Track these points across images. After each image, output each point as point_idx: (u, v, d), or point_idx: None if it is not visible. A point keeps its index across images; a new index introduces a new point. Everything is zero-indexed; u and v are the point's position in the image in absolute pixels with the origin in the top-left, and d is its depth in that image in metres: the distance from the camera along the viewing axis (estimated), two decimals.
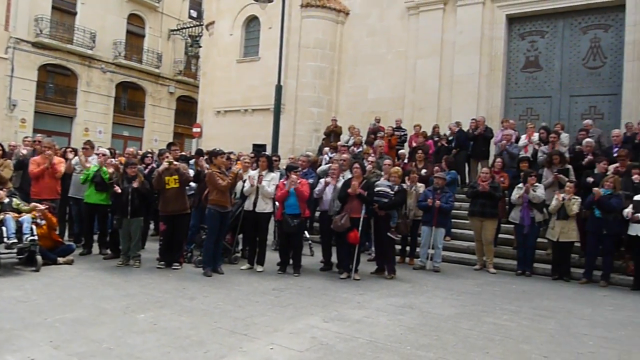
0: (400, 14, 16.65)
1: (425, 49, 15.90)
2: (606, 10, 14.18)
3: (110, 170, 8.15)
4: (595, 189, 8.07)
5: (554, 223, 8.37)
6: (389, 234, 8.03)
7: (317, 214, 9.02)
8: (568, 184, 8.41)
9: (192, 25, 26.40)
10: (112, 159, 8.76)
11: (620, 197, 8.00)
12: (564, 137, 10.74)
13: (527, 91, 15.14)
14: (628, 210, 7.80)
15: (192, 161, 9.64)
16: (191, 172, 8.44)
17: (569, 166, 9.25)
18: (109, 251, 8.42)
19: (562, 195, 8.31)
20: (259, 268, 7.98)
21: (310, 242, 9.75)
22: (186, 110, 27.53)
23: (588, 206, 8.14)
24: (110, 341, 4.39)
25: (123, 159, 9.12)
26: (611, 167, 8.85)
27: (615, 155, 9.44)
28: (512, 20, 15.30)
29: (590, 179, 8.57)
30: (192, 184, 8.53)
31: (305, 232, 9.35)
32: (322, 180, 8.52)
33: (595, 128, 11.34)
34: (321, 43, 17.42)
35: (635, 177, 8.36)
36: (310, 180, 8.80)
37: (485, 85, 15.08)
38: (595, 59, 14.32)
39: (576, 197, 8.28)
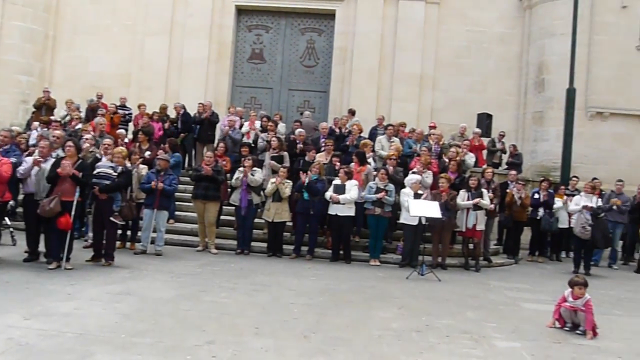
0: None
1: (154, 26, 15.35)
2: (320, 17, 15.98)
3: None
4: (305, 173, 9.07)
5: (270, 205, 9.12)
6: (111, 218, 7.55)
7: (21, 197, 7.88)
8: (281, 169, 9.25)
9: None
10: None
11: (324, 182, 9.18)
12: (281, 126, 11.80)
13: (252, 81, 16.03)
14: (330, 193, 8.99)
15: None
16: None
17: (284, 153, 10.15)
18: None
19: (277, 179, 9.09)
20: None
21: (11, 229, 8.47)
22: None
23: (298, 189, 9.10)
24: None
25: None
26: (319, 156, 10.05)
27: (322, 145, 10.76)
28: (240, 11, 15.95)
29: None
30: None
31: (6, 219, 8.11)
32: (27, 159, 7.47)
33: (307, 119, 12.73)
34: (32, 1, 15.17)
35: (336, 164, 9.69)
36: (13, 159, 7.60)
37: (213, 71, 15.41)
38: (310, 59, 16.03)
39: (288, 181, 9.16)
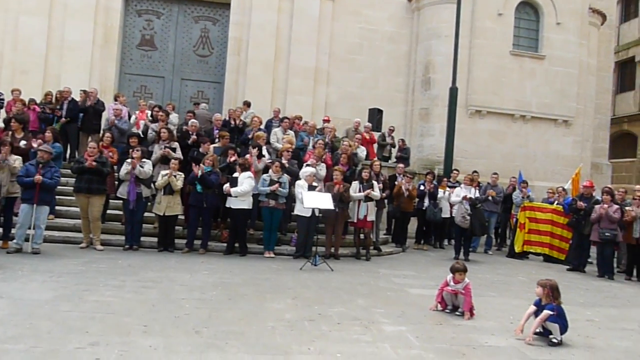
0: None
1: (30, 4, 14.14)
2: (215, 6, 15.65)
3: None
4: (198, 165, 8.84)
5: (161, 198, 8.79)
6: None
7: None
8: (173, 160, 8.93)
9: None
10: None
11: (218, 174, 9.01)
12: (174, 117, 11.39)
13: (142, 69, 15.32)
14: (226, 186, 8.85)
15: None
16: None
17: (175, 144, 9.80)
18: None
19: (168, 171, 8.77)
20: None
21: None
22: None
23: (191, 182, 8.86)
24: None
25: None
26: (211, 147, 9.84)
27: (216, 136, 10.56)
28: None
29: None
30: None
31: None
32: None
33: (202, 110, 12.42)
34: None
35: (232, 158, 9.51)
36: None
37: (99, 57, 14.53)
38: (204, 48, 15.64)
39: (180, 173, 8.88)
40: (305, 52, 15.16)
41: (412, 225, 11.77)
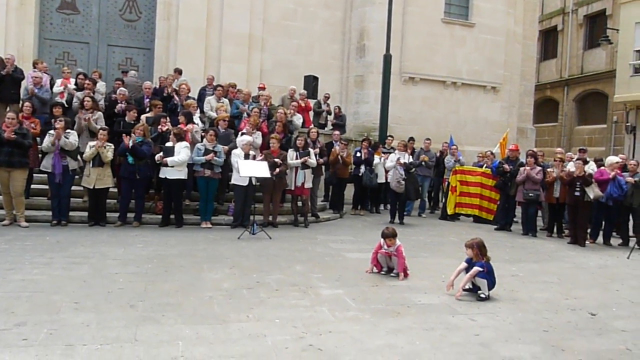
0: None
1: None
2: None
3: None
4: (129, 135, 8.50)
5: (90, 170, 8.41)
6: None
7: None
8: (101, 131, 8.51)
9: None
10: None
11: (150, 144, 8.72)
12: (101, 85, 10.82)
13: (64, 34, 14.36)
14: (159, 156, 8.59)
15: None
16: None
17: (99, 113, 9.36)
18: None
19: (96, 142, 8.37)
20: None
21: None
22: None
23: (122, 153, 8.52)
24: None
25: None
26: (143, 117, 9.48)
27: (147, 105, 10.16)
28: None
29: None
30: None
31: None
32: None
33: (131, 78, 11.87)
34: None
35: (164, 127, 9.20)
36: None
37: (15, 20, 13.48)
38: (131, 12, 14.83)
39: (110, 144, 8.51)
40: (238, 17, 14.73)
41: (349, 191, 11.95)
